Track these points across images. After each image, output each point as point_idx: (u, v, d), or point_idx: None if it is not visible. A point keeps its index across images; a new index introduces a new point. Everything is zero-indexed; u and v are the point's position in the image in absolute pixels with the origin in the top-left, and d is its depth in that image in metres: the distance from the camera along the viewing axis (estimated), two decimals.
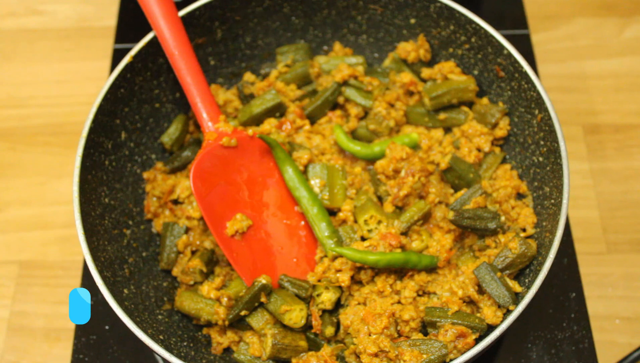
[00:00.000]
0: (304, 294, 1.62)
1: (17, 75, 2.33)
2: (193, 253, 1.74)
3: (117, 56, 2.11)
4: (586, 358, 1.72)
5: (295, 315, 1.58)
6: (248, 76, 1.90)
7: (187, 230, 1.75)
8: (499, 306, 1.51)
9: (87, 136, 1.61)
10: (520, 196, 1.71)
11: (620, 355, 1.84)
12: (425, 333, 1.55)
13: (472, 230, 1.60)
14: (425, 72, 1.83)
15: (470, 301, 1.55)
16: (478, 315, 1.52)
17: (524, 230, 1.64)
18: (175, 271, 1.74)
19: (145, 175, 1.80)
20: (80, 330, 1.77)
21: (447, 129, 1.81)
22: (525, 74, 1.65)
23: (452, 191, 1.72)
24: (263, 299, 1.59)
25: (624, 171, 2.11)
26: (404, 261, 1.56)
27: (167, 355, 1.41)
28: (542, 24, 2.35)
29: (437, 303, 1.55)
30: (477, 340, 1.48)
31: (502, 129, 1.75)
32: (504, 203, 1.66)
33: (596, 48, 2.32)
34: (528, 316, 1.76)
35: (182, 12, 1.74)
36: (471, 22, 1.73)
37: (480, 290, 1.55)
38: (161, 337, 1.52)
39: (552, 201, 1.56)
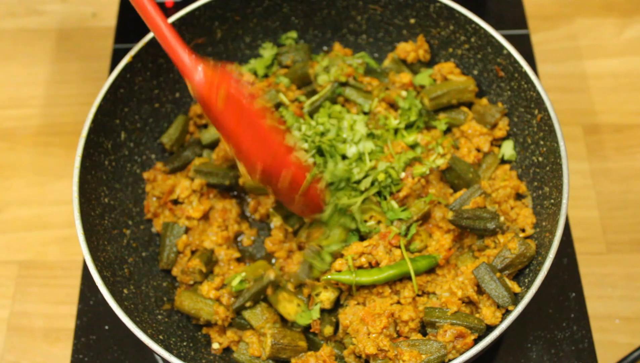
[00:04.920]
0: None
1: (17, 75, 2.32)
2: (193, 253, 1.75)
3: (117, 55, 2.11)
4: (586, 358, 1.72)
5: (290, 306, 1.59)
6: (248, 76, 1.90)
7: (187, 230, 1.75)
8: (498, 307, 1.51)
9: (87, 136, 1.61)
10: (519, 196, 1.71)
11: (620, 355, 1.84)
12: (425, 334, 1.55)
13: (471, 230, 1.60)
14: (417, 78, 1.82)
15: (469, 302, 1.55)
16: (477, 315, 1.52)
17: (523, 230, 1.64)
18: (175, 271, 1.74)
19: (145, 175, 1.81)
20: (80, 330, 1.77)
21: (447, 129, 1.81)
22: (525, 74, 1.65)
23: (451, 191, 1.72)
24: (269, 291, 1.61)
25: (624, 171, 2.11)
26: (402, 275, 1.57)
27: (166, 355, 1.42)
28: (542, 24, 2.34)
29: (437, 304, 1.54)
30: (476, 341, 1.48)
31: (502, 130, 1.75)
32: (503, 203, 1.66)
33: (596, 48, 2.31)
34: (528, 317, 1.76)
35: (182, 12, 1.74)
36: (471, 22, 1.73)
37: (480, 290, 1.55)
38: (161, 337, 1.53)
39: (552, 201, 1.56)
